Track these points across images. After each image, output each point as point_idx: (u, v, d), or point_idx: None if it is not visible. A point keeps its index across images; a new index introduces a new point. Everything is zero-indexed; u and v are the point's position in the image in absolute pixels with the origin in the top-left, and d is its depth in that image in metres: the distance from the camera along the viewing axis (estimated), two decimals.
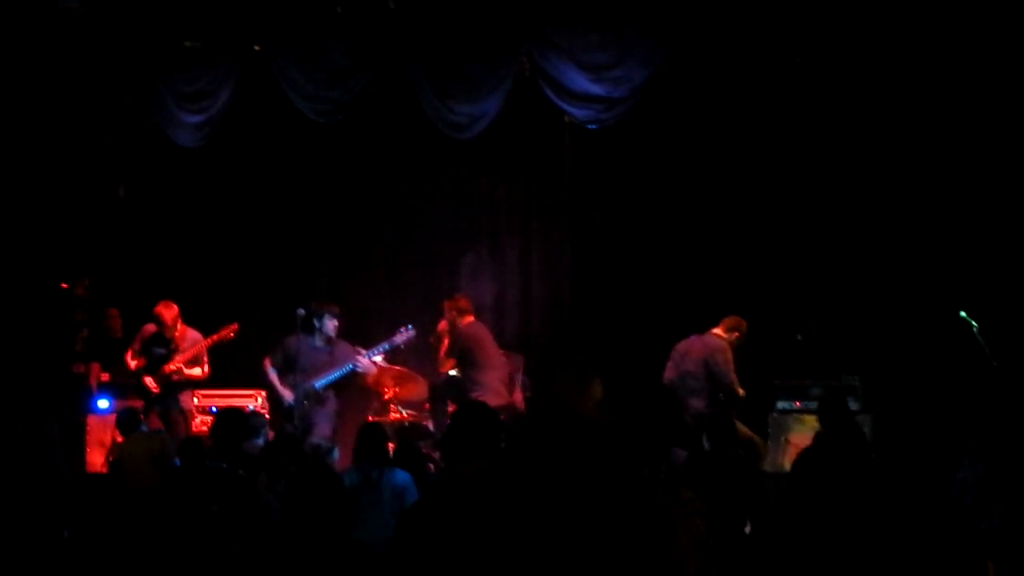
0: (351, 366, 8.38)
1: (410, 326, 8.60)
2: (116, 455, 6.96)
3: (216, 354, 8.84)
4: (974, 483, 5.78)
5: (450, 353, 8.51)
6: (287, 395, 8.29)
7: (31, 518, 5.15)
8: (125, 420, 7.40)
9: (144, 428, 7.48)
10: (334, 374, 8.38)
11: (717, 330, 8.63)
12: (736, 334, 8.63)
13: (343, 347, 8.54)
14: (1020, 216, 8.52)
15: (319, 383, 8.32)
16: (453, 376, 8.63)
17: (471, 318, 8.64)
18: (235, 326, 8.64)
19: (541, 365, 2.69)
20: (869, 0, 8.07)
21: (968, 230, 8.70)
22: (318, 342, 8.42)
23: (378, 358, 8.80)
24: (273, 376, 8.40)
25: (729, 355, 8.48)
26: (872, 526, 4.38)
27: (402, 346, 8.62)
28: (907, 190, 8.99)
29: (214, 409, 9.17)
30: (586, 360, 2.64)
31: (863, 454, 5.71)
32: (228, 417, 6.03)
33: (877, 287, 8.90)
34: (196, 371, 8.60)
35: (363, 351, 8.46)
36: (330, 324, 8.41)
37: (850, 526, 4.74)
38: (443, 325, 8.77)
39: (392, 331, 8.64)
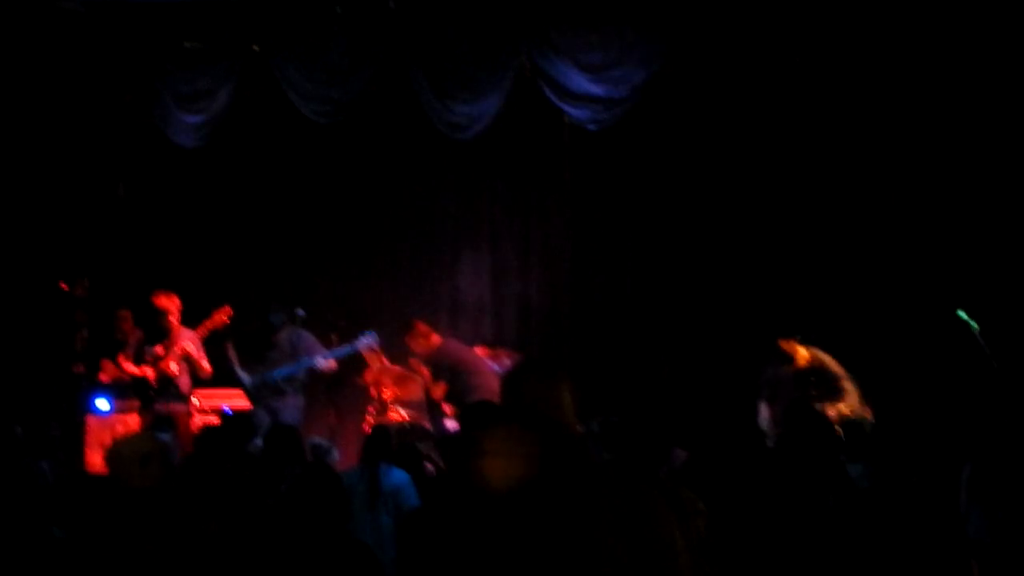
0: (309, 362, 8.54)
1: (372, 332, 8.67)
2: (115, 448, 6.93)
3: (216, 354, 8.84)
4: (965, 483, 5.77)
5: (438, 377, 8.58)
6: (244, 377, 8.59)
7: (29, 519, 5.15)
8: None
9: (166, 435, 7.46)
10: (292, 368, 8.51)
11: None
12: None
13: (306, 343, 8.65)
14: (1020, 216, 8.53)
15: (277, 374, 8.48)
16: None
17: (436, 336, 8.75)
18: (227, 309, 8.62)
19: (512, 372, 2.69)
20: (869, 0, 8.08)
21: (968, 230, 8.71)
22: (281, 337, 8.52)
23: (383, 360, 8.88)
24: (234, 356, 8.66)
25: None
26: (843, 527, 4.39)
27: (361, 352, 8.67)
28: (907, 190, 8.99)
29: (226, 409, 9.18)
30: (557, 365, 2.66)
31: (826, 457, 5.71)
32: (235, 421, 6.06)
33: (877, 287, 8.90)
34: (205, 364, 8.59)
35: (324, 351, 8.64)
36: (281, 334, 8.59)
37: (813, 527, 4.75)
38: (414, 361, 8.85)
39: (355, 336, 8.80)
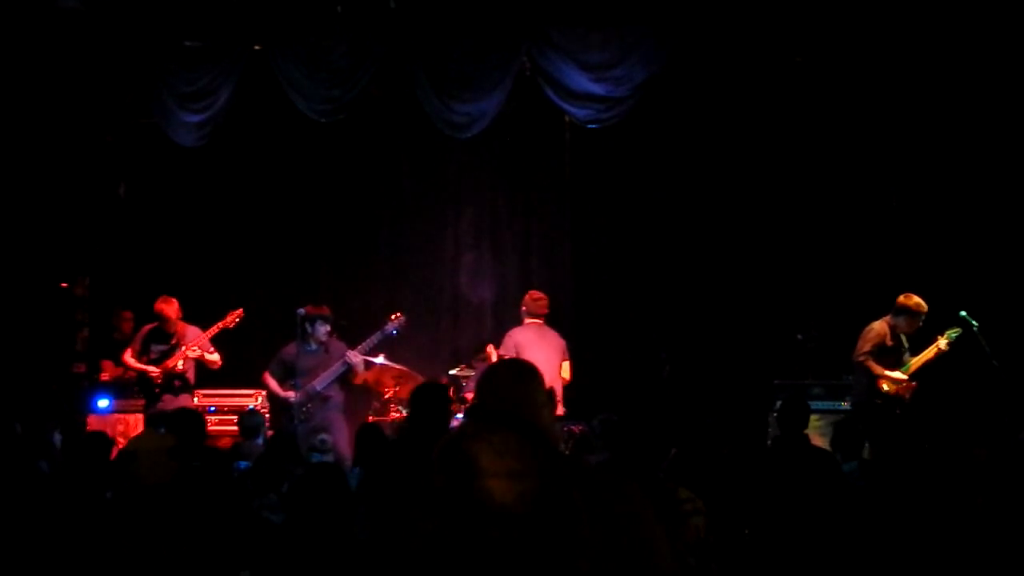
0: (346, 364, 8.34)
1: (399, 317, 8.59)
2: (130, 447, 6.92)
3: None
4: None
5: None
6: (291, 396, 8.29)
7: (29, 520, 5.15)
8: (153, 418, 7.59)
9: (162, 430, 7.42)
10: (333, 374, 8.39)
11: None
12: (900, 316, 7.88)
13: (337, 346, 8.57)
14: (1020, 216, 8.53)
15: (320, 385, 8.33)
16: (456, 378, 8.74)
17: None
18: (240, 312, 8.59)
19: (486, 371, 2.67)
20: (869, 0, 8.08)
21: (968, 230, 8.71)
22: (312, 346, 8.44)
23: (380, 359, 8.83)
24: (275, 385, 8.41)
25: (869, 335, 7.90)
26: (841, 524, 4.38)
27: (394, 333, 8.57)
28: (907, 189, 9.00)
29: (213, 409, 9.19)
30: (529, 363, 2.66)
31: (819, 456, 5.72)
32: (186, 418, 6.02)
33: (878, 287, 8.90)
34: (215, 356, 8.56)
35: (353, 350, 8.42)
36: (321, 329, 8.41)
37: (810, 524, 4.75)
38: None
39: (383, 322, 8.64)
